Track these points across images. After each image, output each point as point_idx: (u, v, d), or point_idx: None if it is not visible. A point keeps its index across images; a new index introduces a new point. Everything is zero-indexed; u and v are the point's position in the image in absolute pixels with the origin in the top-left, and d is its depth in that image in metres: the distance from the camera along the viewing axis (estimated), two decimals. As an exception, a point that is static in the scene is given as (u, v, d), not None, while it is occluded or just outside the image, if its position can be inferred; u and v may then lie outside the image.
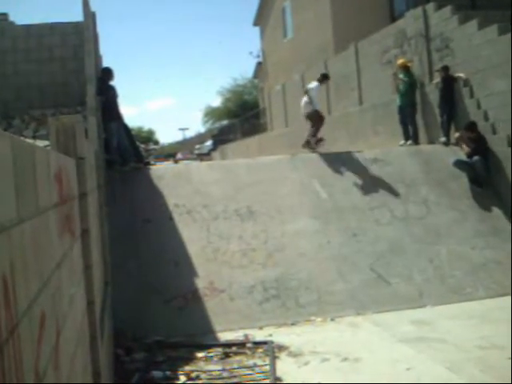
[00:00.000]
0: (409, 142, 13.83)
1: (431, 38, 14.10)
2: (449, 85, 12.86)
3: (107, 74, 11.99)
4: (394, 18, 20.00)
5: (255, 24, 32.98)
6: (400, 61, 14.48)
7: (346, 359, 6.90)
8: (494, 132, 11.62)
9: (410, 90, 14.07)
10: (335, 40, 21.83)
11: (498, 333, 7.46)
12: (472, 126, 11.76)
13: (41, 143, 8.88)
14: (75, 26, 14.79)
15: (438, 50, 13.82)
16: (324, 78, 14.64)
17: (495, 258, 10.11)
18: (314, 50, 23.63)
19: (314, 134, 13.93)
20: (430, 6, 14.11)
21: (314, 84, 14.22)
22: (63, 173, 2.99)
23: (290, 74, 25.94)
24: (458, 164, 11.75)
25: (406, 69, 14.20)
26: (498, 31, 11.58)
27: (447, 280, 9.63)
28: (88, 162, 4.48)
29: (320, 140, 13.94)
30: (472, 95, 12.37)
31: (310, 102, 13.86)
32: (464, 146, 11.91)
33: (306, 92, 14.14)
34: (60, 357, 2.31)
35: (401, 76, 14.21)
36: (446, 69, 13.00)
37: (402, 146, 13.77)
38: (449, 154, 12.33)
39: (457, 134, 11.95)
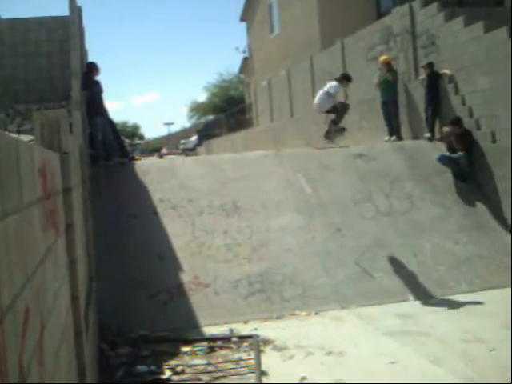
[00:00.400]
0: (393, 137, 13.90)
1: (417, 35, 14.18)
2: (434, 81, 12.93)
3: (92, 68, 11.95)
4: (380, 15, 20.08)
5: (242, 20, 32.95)
6: (382, 57, 14.54)
7: (330, 353, 6.94)
8: (479, 128, 11.70)
9: (392, 86, 14.14)
10: (322, 36, 21.88)
11: (481, 326, 7.55)
12: (457, 122, 11.82)
13: (25, 138, 8.83)
14: (61, 20, 14.70)
15: (424, 46, 13.89)
16: (344, 79, 12.91)
17: (478, 252, 10.20)
18: (300, 46, 23.66)
19: (337, 121, 12.89)
20: (417, 3, 14.18)
21: (333, 83, 12.84)
22: (47, 167, 2.98)
23: (276, 70, 25.96)
24: (443, 159, 11.82)
25: (388, 65, 14.26)
26: (483, 28, 11.66)
27: (431, 274, 9.70)
28: (72, 157, 4.47)
29: (342, 129, 13.03)
30: (457, 92, 12.45)
31: (329, 97, 12.64)
32: (452, 141, 11.86)
33: (327, 90, 12.76)
34: (44, 352, 2.32)
35: (383, 72, 14.26)
36: (431, 65, 13.08)
37: (386, 141, 13.84)
38: (433, 149, 12.41)
39: (446, 129, 11.94)
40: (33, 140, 4.29)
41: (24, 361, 1.87)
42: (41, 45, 15.19)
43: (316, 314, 8.74)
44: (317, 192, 11.20)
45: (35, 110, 5.14)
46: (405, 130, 14.10)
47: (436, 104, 12.96)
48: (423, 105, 13.33)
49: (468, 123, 11.80)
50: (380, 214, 10.86)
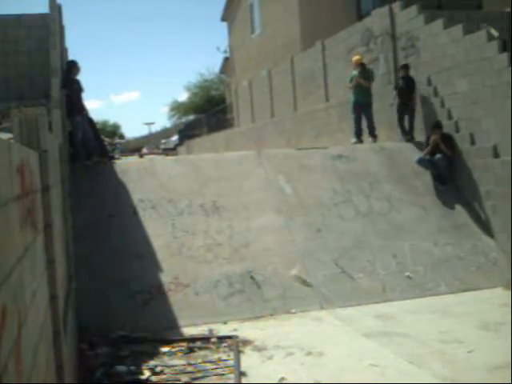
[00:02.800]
0: (370, 138, 13.93)
1: (397, 37, 14.25)
2: (410, 83, 12.96)
3: (72, 67, 11.87)
4: (361, 16, 20.14)
5: (223, 19, 32.89)
6: (355, 57, 14.49)
7: (309, 353, 6.95)
8: (458, 130, 11.78)
9: (367, 88, 14.11)
10: (302, 36, 21.90)
11: (459, 327, 7.61)
12: (439, 126, 11.82)
13: (4, 136, 8.74)
14: (41, 18, 14.57)
15: (404, 48, 13.97)
16: None
17: (457, 254, 10.28)
18: (281, 46, 23.68)
19: None
20: (397, 5, 14.25)
21: None
22: (26, 165, 2.95)
23: (257, 70, 25.96)
24: (422, 162, 11.88)
25: (362, 66, 14.25)
26: (462, 31, 11.76)
27: (410, 275, 9.74)
28: (51, 155, 4.43)
29: None
30: (436, 94, 12.53)
31: None
32: (442, 148, 11.75)
33: None
34: (22, 351, 2.29)
35: (355, 73, 14.24)
36: (406, 67, 13.11)
37: (353, 143, 13.84)
38: (412, 151, 12.48)
39: (433, 137, 11.83)
40: (12, 138, 4.25)
41: (1, 359, 1.85)
42: (20, 42, 15.03)
43: (296, 314, 8.75)
44: (297, 192, 11.21)
45: (14, 108, 5.08)
46: (384, 131, 14.14)
47: (412, 106, 13.01)
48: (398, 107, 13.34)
49: (447, 125, 11.88)
50: (360, 215, 10.90)
